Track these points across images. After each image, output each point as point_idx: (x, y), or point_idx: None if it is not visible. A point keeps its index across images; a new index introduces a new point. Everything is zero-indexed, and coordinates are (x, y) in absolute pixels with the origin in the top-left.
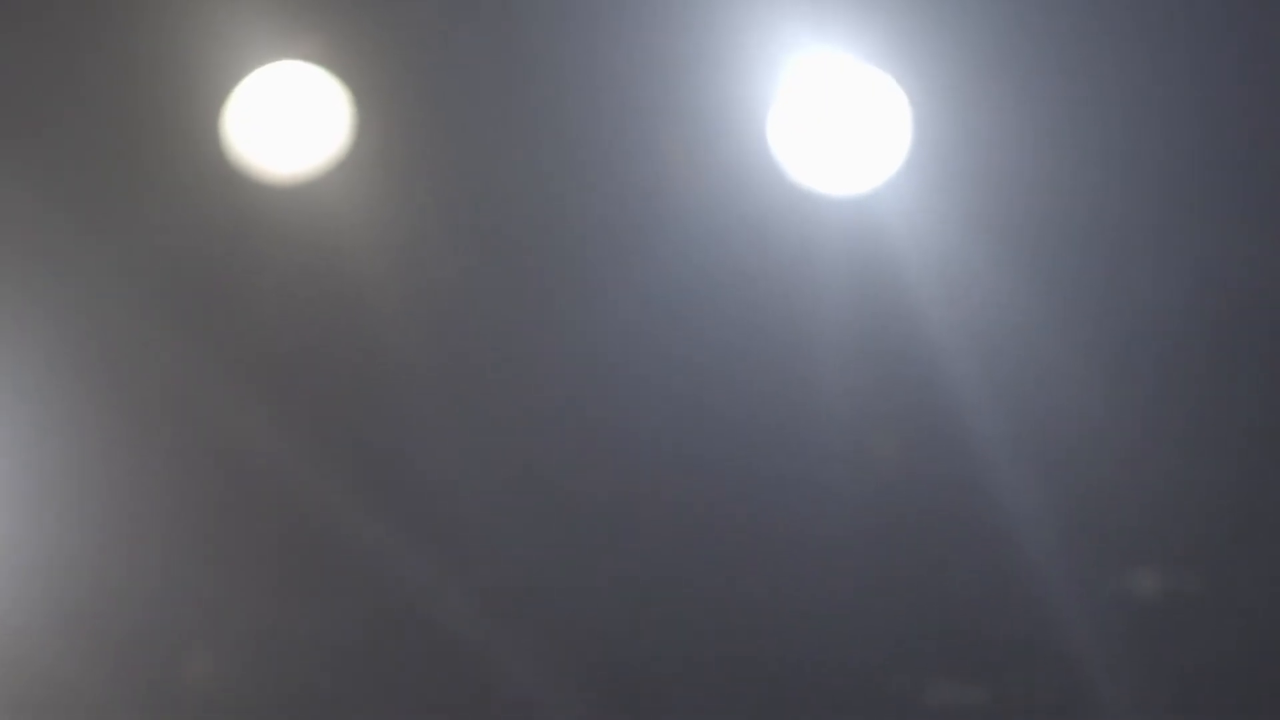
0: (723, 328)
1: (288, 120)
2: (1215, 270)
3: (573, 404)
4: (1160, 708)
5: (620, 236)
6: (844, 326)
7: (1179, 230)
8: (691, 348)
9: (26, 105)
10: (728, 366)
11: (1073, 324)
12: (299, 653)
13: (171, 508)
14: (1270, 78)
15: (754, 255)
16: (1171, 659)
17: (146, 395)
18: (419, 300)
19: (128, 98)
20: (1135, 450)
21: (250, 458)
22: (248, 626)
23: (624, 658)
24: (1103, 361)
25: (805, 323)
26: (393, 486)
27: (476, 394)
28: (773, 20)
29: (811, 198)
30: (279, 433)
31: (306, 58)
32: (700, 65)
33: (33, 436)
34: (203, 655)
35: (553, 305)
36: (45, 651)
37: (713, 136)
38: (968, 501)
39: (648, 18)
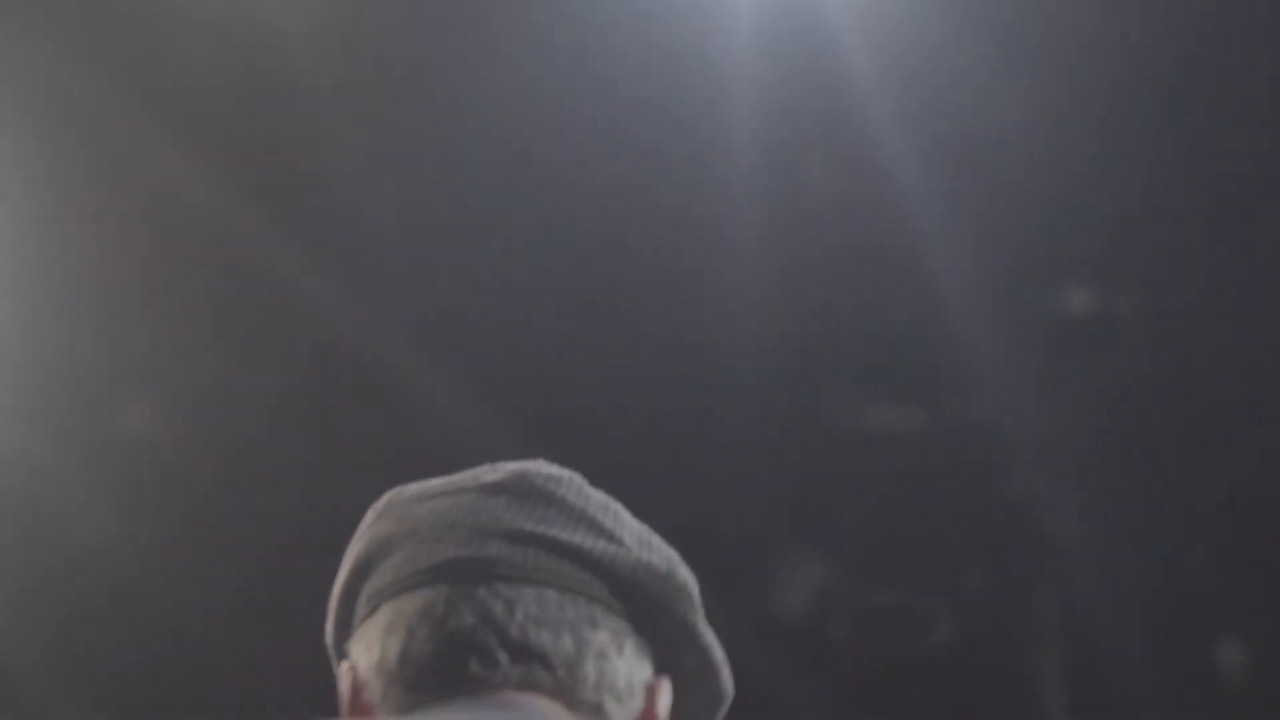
0: (649, 56)
1: None
2: None
3: (503, 135)
4: (1091, 424)
5: None
6: (762, 55)
7: None
8: (618, 77)
9: None
10: (652, 95)
11: (998, 43)
12: (238, 404)
13: (102, 263)
14: None
15: None
16: (1104, 376)
17: (70, 149)
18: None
19: None
20: (1066, 169)
21: (180, 206)
22: (185, 380)
23: (557, 389)
24: (1033, 80)
25: (725, 56)
26: (323, 229)
27: (409, 126)
28: None
29: None
30: (208, 180)
31: None
32: None
33: None
34: (141, 410)
35: (485, 31)
36: None
37: None
38: (897, 227)
39: None
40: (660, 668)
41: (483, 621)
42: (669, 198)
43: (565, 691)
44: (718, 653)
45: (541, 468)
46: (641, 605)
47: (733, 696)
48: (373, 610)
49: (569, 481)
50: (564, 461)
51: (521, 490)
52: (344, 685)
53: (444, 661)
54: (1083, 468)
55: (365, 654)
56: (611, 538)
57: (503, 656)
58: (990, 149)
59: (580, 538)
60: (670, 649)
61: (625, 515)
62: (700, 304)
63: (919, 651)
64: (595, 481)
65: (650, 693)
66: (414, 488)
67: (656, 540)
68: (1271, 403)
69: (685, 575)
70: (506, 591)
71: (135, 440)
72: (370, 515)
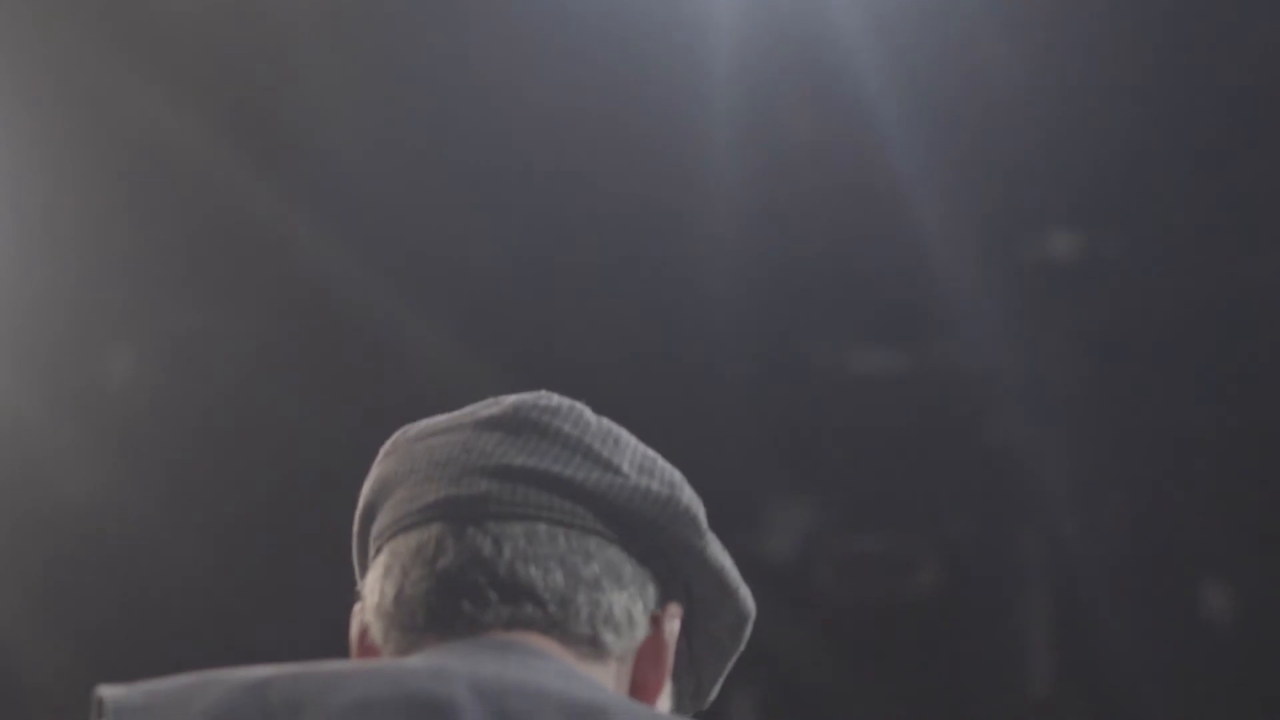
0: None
1: None
2: None
3: (484, 78)
4: (1077, 369)
5: None
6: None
7: None
8: (597, 18)
9: None
10: (631, 38)
11: None
12: (221, 351)
13: (82, 210)
14: None
15: None
16: (1089, 320)
17: (49, 95)
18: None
19: None
20: (1052, 112)
21: (161, 152)
22: (167, 327)
23: (539, 334)
24: (1017, 23)
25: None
26: (305, 174)
27: (390, 69)
28: None
29: None
30: (189, 125)
31: None
32: None
33: None
34: (124, 358)
35: None
36: None
37: None
38: (881, 171)
39: None
40: (670, 595)
41: (471, 561)
42: (650, 143)
43: (557, 627)
44: (731, 574)
45: (540, 399)
46: (643, 533)
47: (755, 613)
48: (377, 551)
49: (567, 411)
50: None
51: (515, 424)
52: (354, 627)
53: (435, 603)
54: (1068, 412)
55: (370, 596)
56: (609, 466)
57: (492, 595)
58: (974, 91)
59: (574, 469)
60: (680, 575)
61: (628, 442)
62: (681, 248)
63: (904, 596)
64: None
65: (656, 621)
66: (418, 425)
67: (661, 465)
68: (1257, 347)
69: (689, 500)
70: (495, 529)
71: (118, 388)
72: (380, 455)
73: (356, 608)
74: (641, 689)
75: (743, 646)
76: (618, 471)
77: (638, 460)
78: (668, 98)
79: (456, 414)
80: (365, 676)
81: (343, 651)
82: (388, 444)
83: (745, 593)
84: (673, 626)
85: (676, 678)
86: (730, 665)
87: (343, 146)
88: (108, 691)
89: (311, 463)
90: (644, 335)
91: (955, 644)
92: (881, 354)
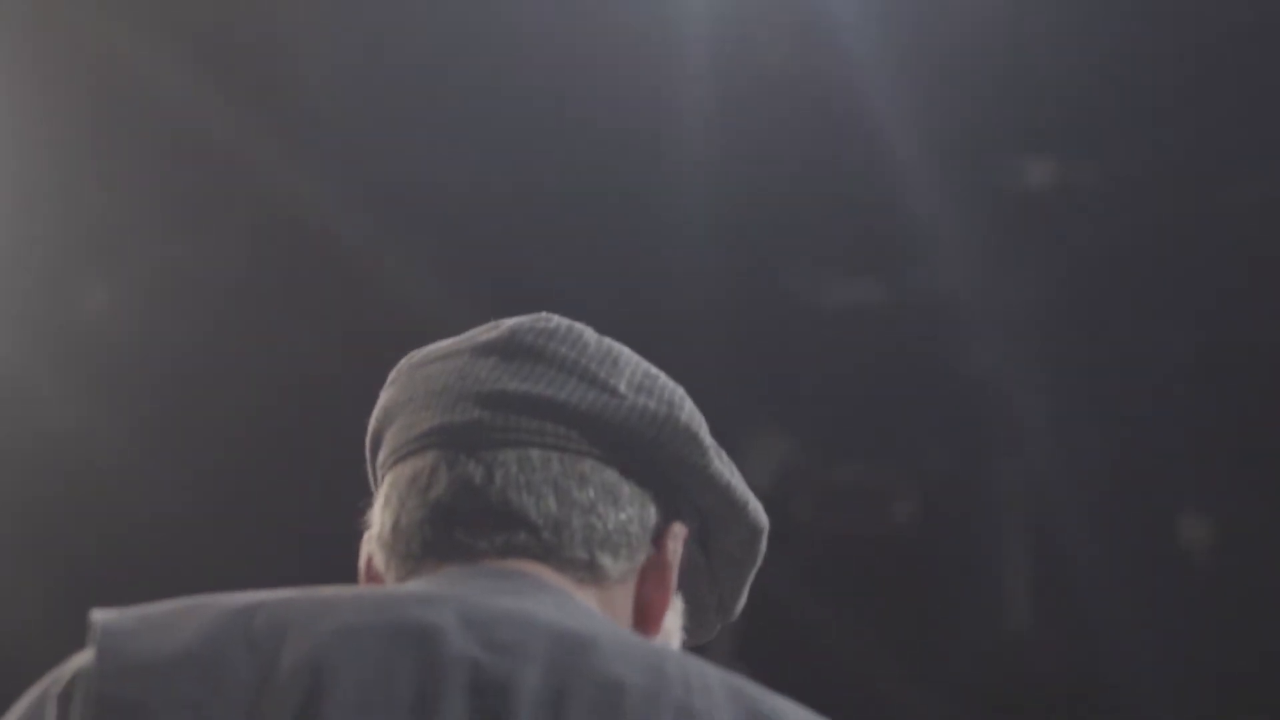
0: None
1: None
2: None
3: (454, 1)
4: (1053, 297)
5: None
6: None
7: None
8: None
9: None
10: None
11: None
12: (198, 284)
13: (56, 145)
14: None
15: None
16: (1065, 248)
17: (18, 28)
18: None
19: None
20: (1027, 37)
21: (134, 85)
22: (144, 261)
23: (513, 265)
24: None
25: None
26: (280, 105)
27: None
28: None
29: None
30: (164, 57)
31: None
32: None
33: None
34: (101, 292)
35: None
36: None
37: None
38: (855, 99)
39: None
40: (675, 514)
41: (463, 490)
42: (625, 71)
43: (551, 553)
44: (738, 489)
45: (539, 322)
46: (642, 453)
47: (768, 526)
48: (380, 480)
49: (564, 334)
50: None
51: (511, 349)
52: (362, 556)
53: (429, 532)
54: (1044, 341)
55: (375, 525)
56: (605, 388)
57: (485, 524)
58: (949, 17)
59: (568, 393)
60: (685, 493)
61: (627, 361)
62: (655, 177)
63: (880, 528)
64: None
65: (659, 541)
66: (422, 352)
67: (661, 383)
68: (1233, 274)
69: (687, 418)
70: (487, 457)
71: (95, 321)
72: (386, 382)
73: (366, 536)
74: (646, 609)
75: (760, 560)
76: (614, 392)
77: (637, 380)
78: (642, 26)
79: (457, 339)
80: (354, 603)
81: (322, 582)
82: (393, 371)
83: (755, 506)
84: (675, 546)
85: (697, 595)
86: (750, 579)
87: (318, 75)
88: (99, 615)
89: (290, 392)
90: (617, 267)
91: (931, 575)
92: (857, 284)
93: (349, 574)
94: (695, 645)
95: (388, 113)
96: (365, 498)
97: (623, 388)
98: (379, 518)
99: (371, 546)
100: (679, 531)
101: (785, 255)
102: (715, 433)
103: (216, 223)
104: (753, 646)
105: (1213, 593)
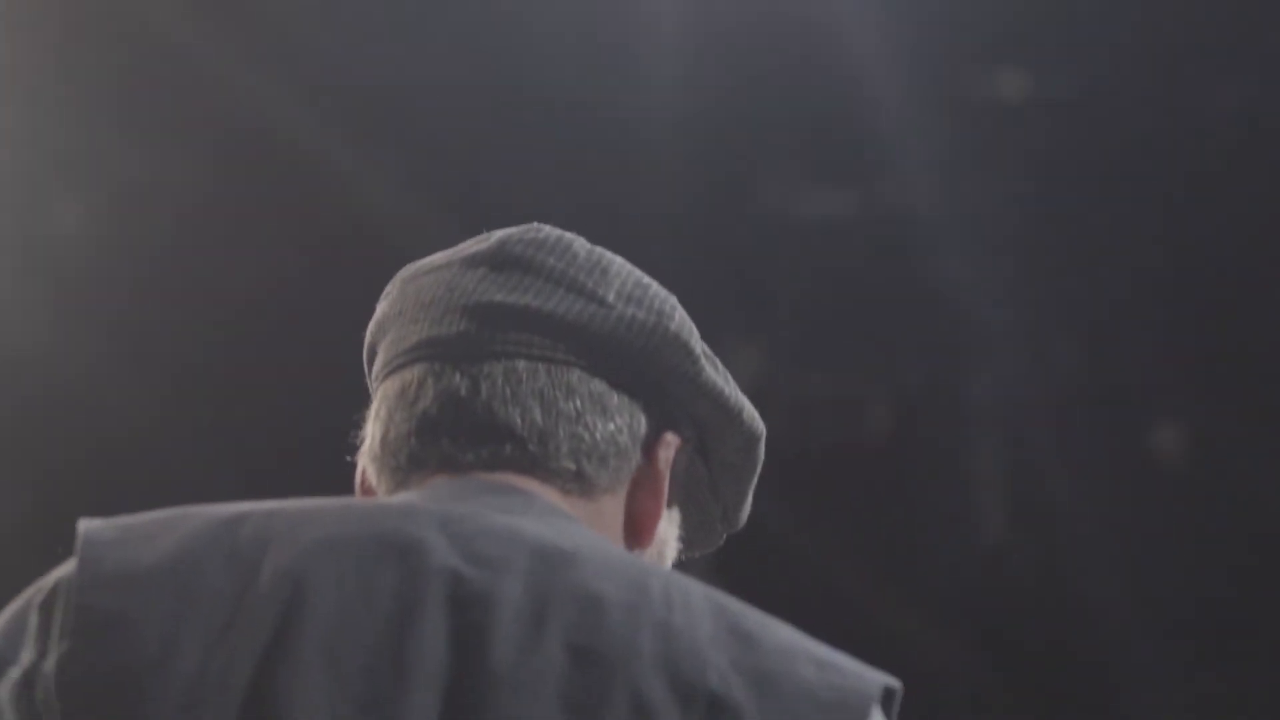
0: None
1: None
2: None
3: None
4: (1025, 207)
5: None
6: None
7: None
8: None
9: None
10: None
11: None
12: (167, 198)
13: (21, 57)
14: None
15: None
16: (1037, 158)
17: None
18: None
19: None
20: None
21: None
22: (112, 175)
23: (483, 177)
24: None
25: None
26: (248, 16)
27: None
28: None
29: None
30: None
31: None
32: None
33: None
34: (69, 207)
35: None
36: None
37: None
38: (828, 9)
39: None
40: (668, 424)
41: (449, 402)
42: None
43: (538, 464)
44: (732, 396)
45: (528, 233)
46: (632, 364)
47: (764, 432)
48: (374, 393)
49: (554, 244)
50: None
51: (499, 260)
52: (358, 470)
53: (416, 445)
54: (1017, 252)
55: (367, 439)
56: (593, 298)
57: (470, 436)
58: None
59: (555, 303)
60: (679, 403)
61: (618, 271)
62: (625, 88)
63: (853, 440)
64: None
65: (649, 450)
66: (415, 264)
67: (652, 293)
68: (1203, 179)
69: (677, 327)
70: (473, 369)
71: (62, 237)
72: (382, 296)
73: (360, 451)
74: (638, 519)
75: (759, 467)
76: (602, 303)
77: (626, 290)
78: None
79: (449, 251)
80: (337, 514)
81: (291, 491)
82: (388, 284)
83: (750, 413)
84: (667, 455)
85: (701, 505)
86: (752, 486)
87: None
88: (84, 524)
89: (258, 307)
90: (587, 178)
91: (905, 486)
92: (829, 196)
93: (320, 483)
94: (702, 555)
95: (353, 20)
96: (334, 405)
97: (611, 298)
98: (370, 431)
99: (364, 460)
100: (671, 441)
101: (757, 167)
102: None
103: (183, 136)
104: (728, 559)
105: (1186, 501)
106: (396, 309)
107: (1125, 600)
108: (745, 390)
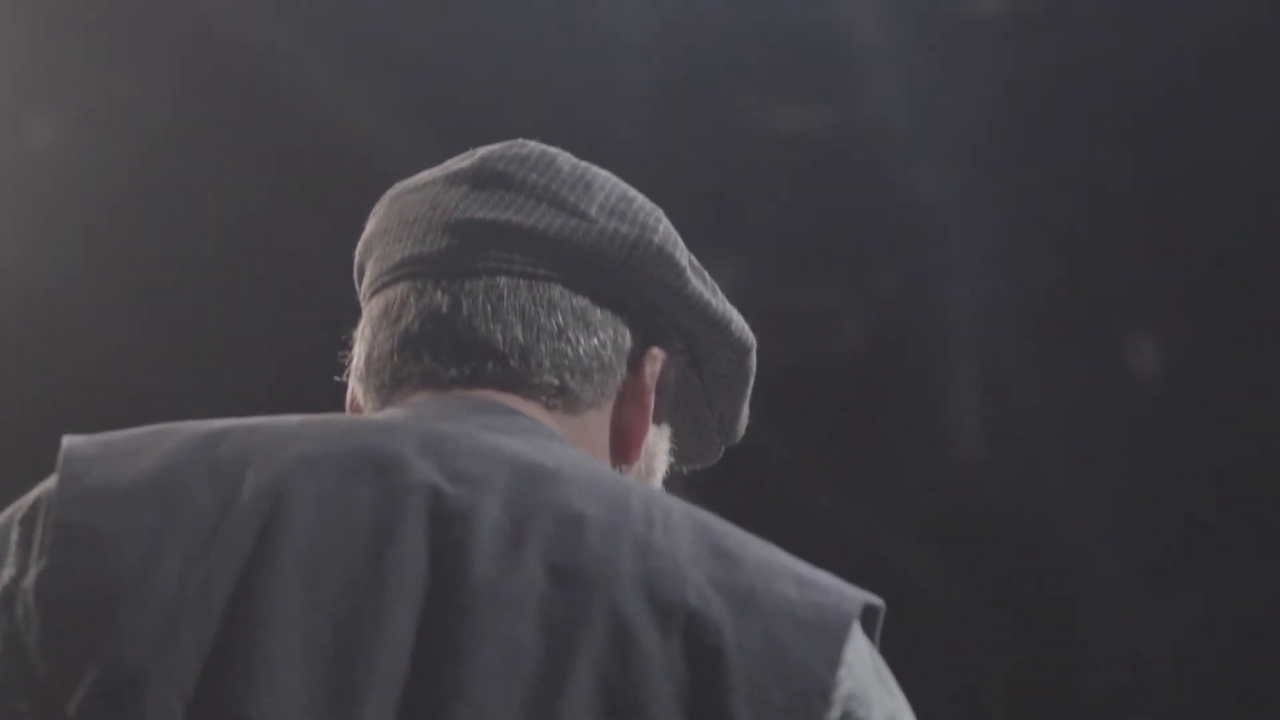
0: None
1: None
2: None
3: None
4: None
5: None
6: None
7: None
8: None
9: None
10: None
11: None
12: (142, 116)
13: None
14: None
15: None
16: (1013, 71)
17: None
18: None
19: None
20: None
21: None
22: (85, 94)
23: (462, 90)
24: None
25: None
26: None
27: None
28: None
29: None
30: None
31: None
32: None
33: None
34: (40, 129)
35: None
36: None
37: None
38: None
39: None
40: (655, 338)
41: (430, 320)
42: None
43: (521, 381)
44: (718, 308)
45: (511, 148)
46: (615, 278)
47: (754, 343)
48: (364, 312)
49: (537, 159)
50: None
51: (481, 177)
52: (348, 390)
53: (399, 363)
54: (991, 165)
55: (354, 358)
56: (575, 212)
57: (452, 353)
58: None
59: (536, 218)
60: (666, 316)
61: (601, 185)
62: (599, 10)
63: (827, 354)
64: None
65: (635, 364)
66: (402, 183)
67: (637, 206)
68: (1183, 95)
69: (661, 239)
70: (454, 286)
71: (35, 157)
72: (370, 214)
73: (348, 370)
74: (624, 434)
75: (751, 378)
76: (584, 217)
77: (610, 203)
78: None
79: (435, 169)
80: (318, 430)
81: (266, 409)
82: (377, 203)
83: (739, 324)
84: (653, 369)
85: (697, 417)
86: (747, 397)
87: None
88: (67, 440)
89: (235, 228)
90: (558, 93)
91: (879, 400)
92: (802, 109)
93: (295, 400)
94: (701, 468)
95: None
96: (309, 321)
97: (594, 212)
98: (357, 350)
99: (352, 380)
100: (657, 355)
101: (730, 80)
102: None
103: (156, 54)
104: (701, 473)
105: (1162, 415)
106: (382, 227)
107: (1101, 515)
108: None
